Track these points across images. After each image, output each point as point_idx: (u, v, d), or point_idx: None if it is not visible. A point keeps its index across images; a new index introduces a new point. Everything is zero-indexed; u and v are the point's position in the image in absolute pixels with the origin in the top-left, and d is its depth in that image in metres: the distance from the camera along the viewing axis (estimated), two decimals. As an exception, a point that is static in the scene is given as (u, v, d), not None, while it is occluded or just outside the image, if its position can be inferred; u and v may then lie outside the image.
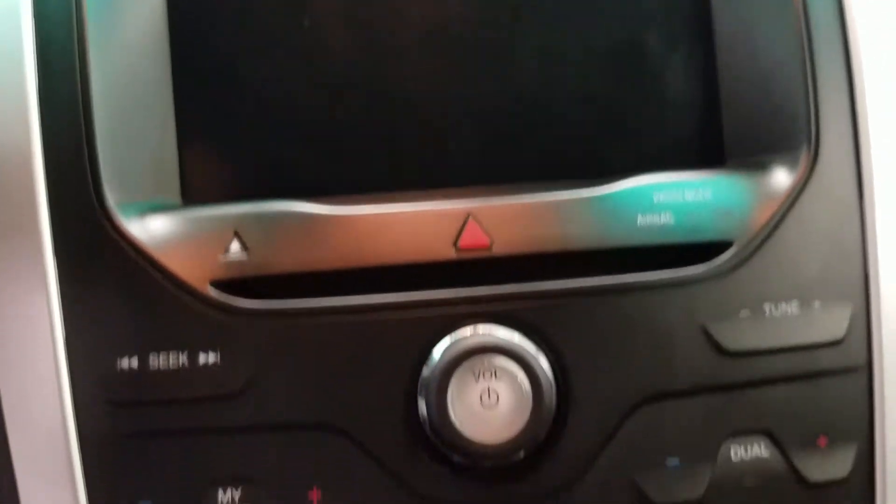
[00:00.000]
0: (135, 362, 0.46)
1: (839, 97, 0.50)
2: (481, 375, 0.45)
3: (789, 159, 0.49)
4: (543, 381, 0.45)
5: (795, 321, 0.47)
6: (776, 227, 0.48)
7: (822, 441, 0.47)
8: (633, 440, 0.47)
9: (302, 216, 0.47)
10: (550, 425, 0.46)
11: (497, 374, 0.45)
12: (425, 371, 0.46)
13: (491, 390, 0.45)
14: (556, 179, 0.50)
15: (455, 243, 0.47)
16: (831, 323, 0.48)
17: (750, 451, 0.47)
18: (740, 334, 0.47)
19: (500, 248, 0.47)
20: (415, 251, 0.47)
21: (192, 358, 0.46)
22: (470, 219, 0.48)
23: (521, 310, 0.47)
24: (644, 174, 0.49)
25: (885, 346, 0.48)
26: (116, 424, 0.46)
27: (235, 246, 0.47)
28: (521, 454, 0.46)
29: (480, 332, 0.46)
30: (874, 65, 0.50)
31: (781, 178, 0.49)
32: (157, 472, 0.46)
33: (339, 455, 0.46)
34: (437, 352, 0.46)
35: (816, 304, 0.48)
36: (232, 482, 0.46)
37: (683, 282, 0.47)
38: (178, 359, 0.46)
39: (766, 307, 0.47)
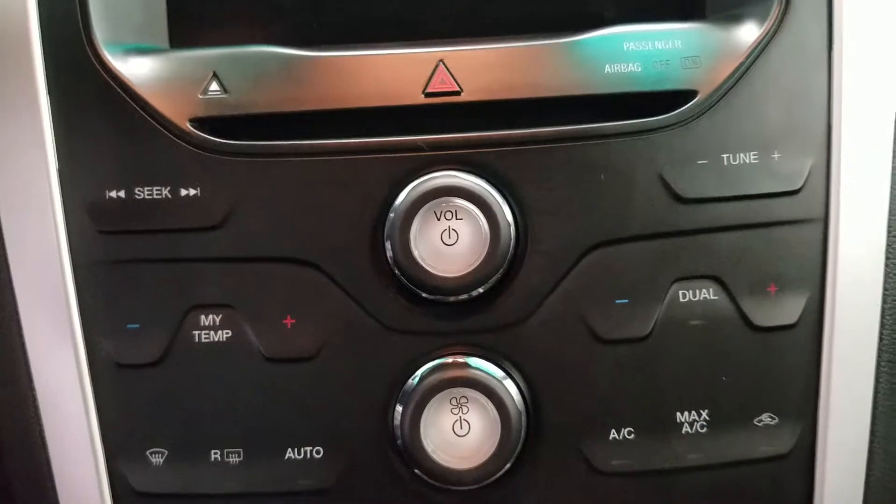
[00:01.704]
0: (122, 193, 0.49)
1: None
2: (443, 216, 0.48)
3: (761, 11, 0.49)
4: (501, 221, 0.47)
5: (753, 171, 0.48)
6: (741, 77, 0.48)
7: (772, 288, 0.49)
8: (585, 280, 0.49)
9: (278, 58, 0.49)
10: (509, 265, 0.48)
11: (458, 214, 0.48)
12: (392, 210, 0.48)
13: (451, 229, 0.48)
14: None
15: (424, 89, 0.49)
16: (789, 174, 0.49)
17: (699, 294, 0.49)
18: (697, 182, 0.48)
19: (470, 94, 0.49)
20: (386, 94, 0.49)
21: (175, 191, 0.49)
22: (440, 64, 0.49)
23: (485, 155, 0.48)
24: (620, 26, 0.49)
25: (842, 199, 0.49)
26: (106, 252, 0.50)
27: (214, 86, 0.49)
28: (480, 290, 0.48)
29: (444, 175, 0.48)
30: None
31: (751, 29, 0.49)
32: (143, 298, 0.50)
33: (311, 287, 0.49)
34: (403, 193, 0.48)
35: (776, 154, 0.48)
36: (213, 308, 0.50)
37: (644, 129, 0.48)
38: (161, 191, 0.49)
39: (725, 157, 0.48)
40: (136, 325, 0.50)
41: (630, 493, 0.50)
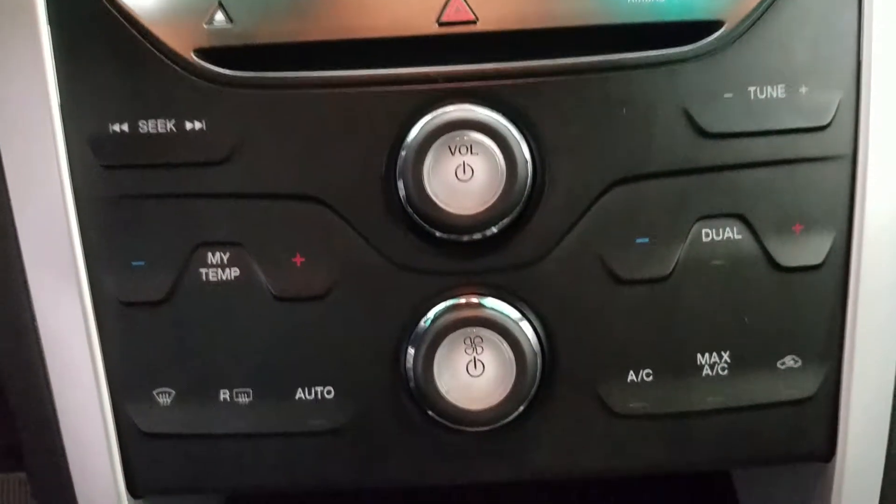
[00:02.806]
0: (125, 127, 0.47)
1: None
2: (457, 150, 0.46)
3: None
4: (518, 156, 0.46)
5: (780, 105, 0.46)
6: (769, 7, 0.46)
7: (798, 227, 0.48)
8: (605, 219, 0.47)
9: None
10: (526, 202, 0.47)
11: (473, 149, 0.46)
12: (404, 145, 0.46)
13: (466, 164, 0.46)
14: None
15: (439, 18, 0.47)
16: (817, 109, 0.47)
17: (722, 234, 0.48)
18: (722, 116, 0.46)
19: (486, 24, 0.47)
20: (398, 24, 0.47)
21: (179, 124, 0.47)
22: None
23: (502, 87, 0.47)
24: None
25: (871, 136, 0.47)
26: (109, 187, 0.48)
27: (220, 15, 0.47)
28: (495, 229, 0.47)
29: (459, 108, 0.46)
30: None
31: None
32: (148, 235, 0.48)
33: (321, 225, 0.48)
34: (417, 127, 0.46)
35: (803, 88, 0.47)
36: (220, 246, 0.48)
37: (668, 61, 0.46)
38: (165, 125, 0.47)
39: (751, 90, 0.46)
40: (142, 263, 0.49)
41: (648, 435, 0.49)
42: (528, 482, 0.51)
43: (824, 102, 0.47)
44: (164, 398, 0.50)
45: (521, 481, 0.51)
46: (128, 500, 0.51)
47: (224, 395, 0.49)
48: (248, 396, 0.49)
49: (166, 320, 0.49)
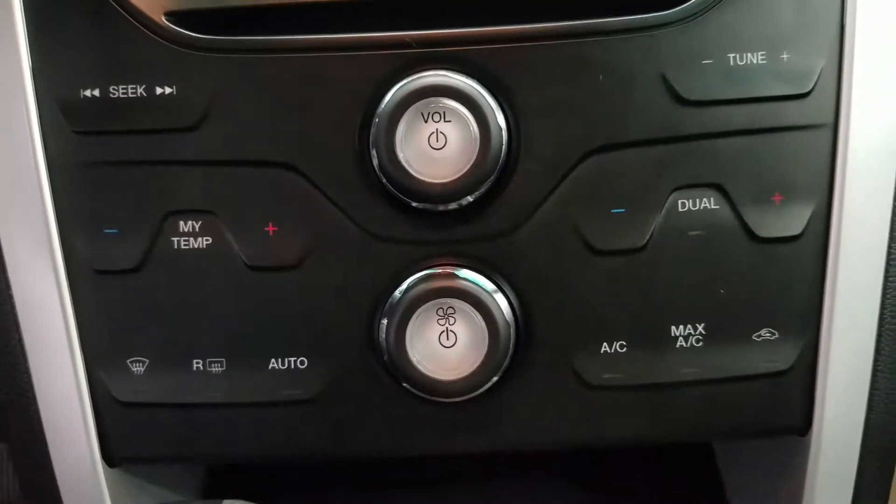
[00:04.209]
0: (97, 92, 0.47)
1: None
2: (430, 117, 0.45)
3: None
4: (492, 123, 0.45)
5: (760, 72, 0.45)
6: None
7: (777, 197, 0.47)
8: (580, 189, 0.47)
9: None
10: (500, 172, 0.46)
11: (446, 116, 0.45)
12: (377, 113, 0.46)
13: (440, 132, 0.45)
14: None
15: None
16: (799, 76, 0.46)
17: (699, 204, 0.47)
18: (701, 83, 0.46)
19: None
20: None
21: (150, 90, 0.47)
22: None
23: (476, 52, 0.46)
24: None
25: (853, 104, 0.46)
26: (81, 153, 0.48)
27: None
28: (470, 198, 0.46)
29: (433, 74, 0.46)
30: None
31: None
32: (120, 202, 0.48)
33: (294, 193, 0.47)
34: (390, 93, 0.46)
35: (785, 55, 0.46)
36: (192, 214, 0.48)
37: (647, 25, 0.45)
38: (136, 90, 0.47)
39: (731, 56, 0.45)
40: (114, 231, 0.48)
41: (622, 407, 0.49)
42: (502, 453, 0.51)
43: (806, 69, 0.46)
44: (138, 367, 0.49)
45: (496, 452, 0.50)
46: (103, 468, 0.51)
47: (197, 364, 0.49)
48: (222, 366, 0.49)
49: (139, 289, 0.48)
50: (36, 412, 0.51)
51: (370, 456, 0.51)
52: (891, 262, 0.48)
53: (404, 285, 0.47)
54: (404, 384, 0.48)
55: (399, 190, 0.46)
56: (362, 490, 0.66)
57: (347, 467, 0.66)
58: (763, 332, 0.48)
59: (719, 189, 0.47)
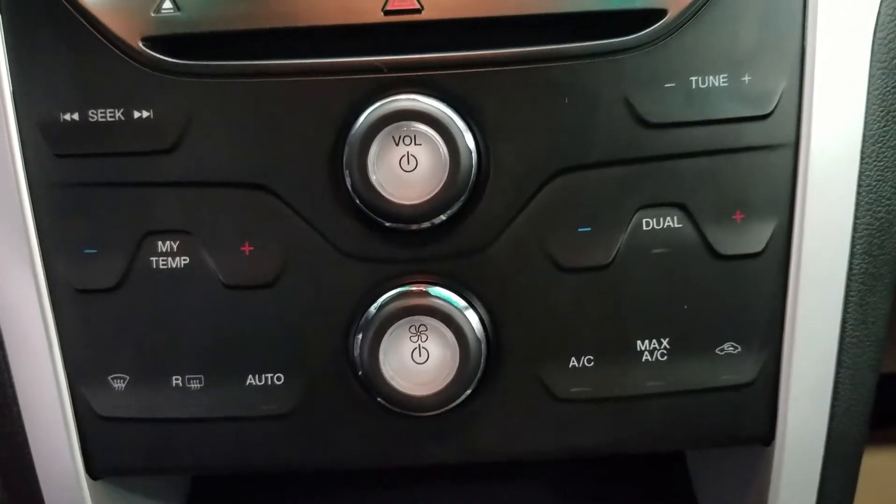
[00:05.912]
0: (76, 116, 0.48)
1: None
2: (401, 141, 0.46)
3: None
4: (461, 146, 0.46)
5: (722, 94, 0.47)
6: None
7: (738, 216, 0.48)
8: (548, 208, 0.48)
9: None
10: (471, 192, 0.47)
11: (417, 139, 0.46)
12: (349, 136, 0.47)
13: (410, 155, 0.47)
14: None
15: (384, 6, 0.47)
16: (760, 97, 0.47)
17: (663, 222, 0.48)
18: (663, 106, 0.47)
19: (431, 12, 0.47)
20: (344, 12, 0.47)
21: (128, 113, 0.48)
22: None
23: (446, 77, 0.47)
24: None
25: (814, 124, 0.47)
26: (62, 175, 0.49)
27: (167, 3, 0.47)
28: (442, 217, 0.47)
29: (404, 98, 0.47)
30: None
31: None
32: (100, 222, 0.49)
33: (269, 213, 0.48)
34: (362, 117, 0.47)
35: (747, 77, 0.47)
36: (169, 234, 0.49)
37: (610, 50, 0.46)
38: (114, 114, 0.48)
39: (693, 80, 0.47)
40: (94, 251, 0.49)
41: (590, 419, 0.50)
42: (475, 464, 0.52)
43: (767, 91, 0.47)
44: (118, 383, 0.50)
45: (469, 463, 0.52)
46: (87, 481, 0.52)
47: (177, 380, 0.50)
48: (200, 382, 0.50)
49: (118, 307, 0.49)
50: (21, 426, 0.52)
51: (345, 467, 0.53)
52: (851, 278, 0.49)
53: (378, 303, 0.48)
54: (378, 399, 0.49)
55: (372, 211, 0.47)
56: (346, 495, 0.67)
57: (330, 473, 0.67)
58: (726, 346, 0.49)
59: (682, 208, 0.48)
